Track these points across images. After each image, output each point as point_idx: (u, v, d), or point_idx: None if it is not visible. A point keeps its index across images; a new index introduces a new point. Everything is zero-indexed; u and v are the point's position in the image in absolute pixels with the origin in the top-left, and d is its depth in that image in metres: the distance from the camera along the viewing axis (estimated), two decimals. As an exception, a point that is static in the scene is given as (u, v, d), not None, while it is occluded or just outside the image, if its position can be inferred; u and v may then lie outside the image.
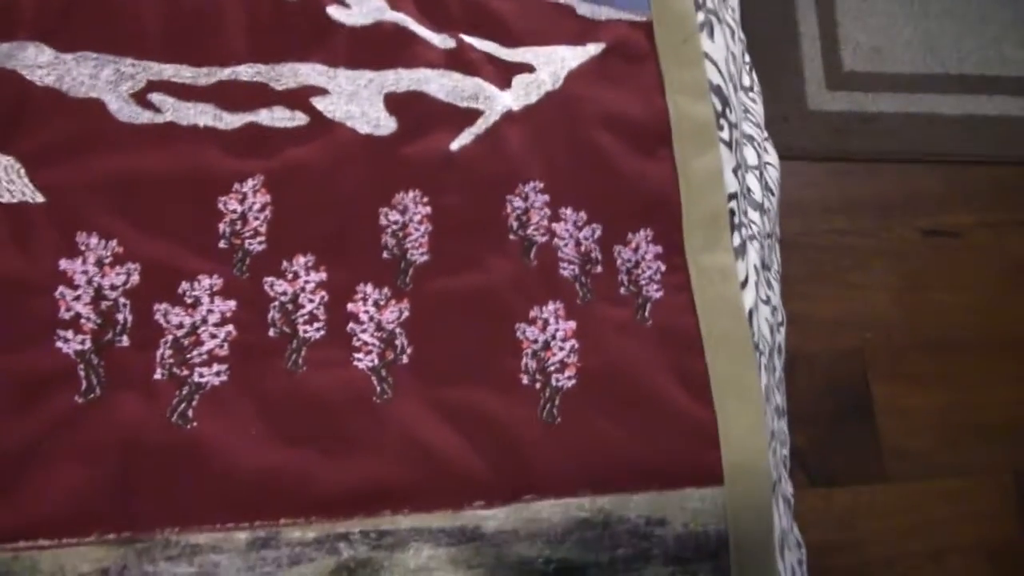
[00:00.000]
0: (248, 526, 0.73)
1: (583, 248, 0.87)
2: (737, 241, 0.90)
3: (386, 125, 0.87)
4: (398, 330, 0.81)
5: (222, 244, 0.81)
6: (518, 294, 0.84)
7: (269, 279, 0.81)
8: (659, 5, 0.96)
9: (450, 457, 0.77)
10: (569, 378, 0.82)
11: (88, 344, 0.76)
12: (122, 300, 0.78)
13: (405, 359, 0.80)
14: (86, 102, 0.84)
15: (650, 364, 0.83)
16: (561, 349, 0.82)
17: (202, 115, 0.85)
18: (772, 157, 1.14)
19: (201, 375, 0.77)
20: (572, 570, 0.76)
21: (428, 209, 0.85)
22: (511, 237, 0.86)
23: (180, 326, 0.78)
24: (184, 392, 0.76)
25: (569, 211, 0.87)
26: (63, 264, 0.78)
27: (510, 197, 0.87)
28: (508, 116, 0.89)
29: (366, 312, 0.81)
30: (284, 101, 0.87)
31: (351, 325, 0.81)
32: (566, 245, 0.86)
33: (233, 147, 0.84)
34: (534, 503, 0.77)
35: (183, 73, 0.86)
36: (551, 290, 0.84)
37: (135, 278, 0.79)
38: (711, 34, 0.97)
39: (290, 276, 0.81)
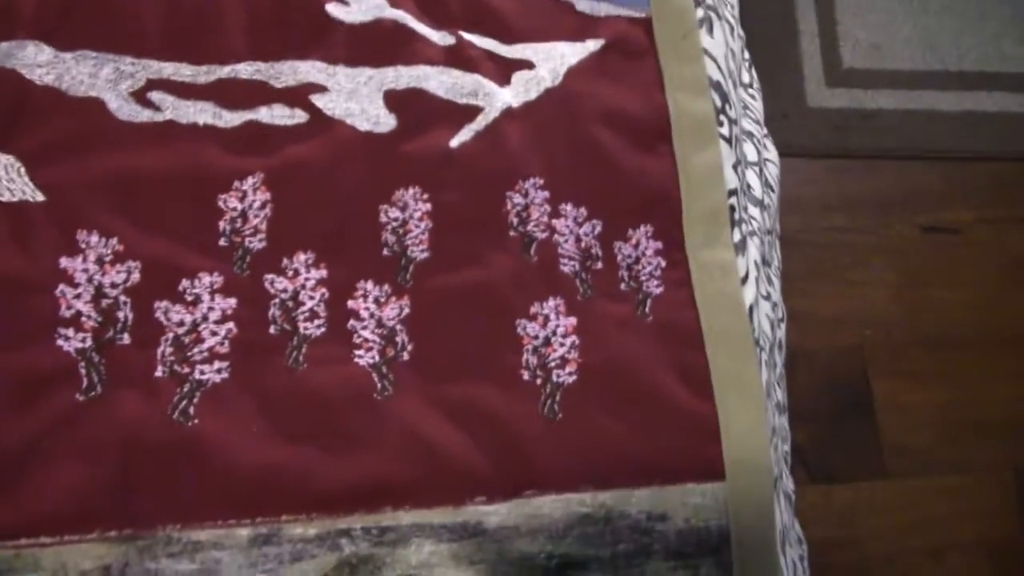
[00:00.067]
0: (250, 523, 0.73)
1: (583, 244, 0.87)
2: (737, 237, 0.90)
3: (386, 122, 0.87)
4: (398, 327, 0.81)
5: (222, 242, 0.82)
6: (518, 290, 0.84)
7: (269, 276, 0.81)
8: (658, 1, 0.96)
9: (451, 453, 0.77)
10: (570, 374, 0.82)
11: (89, 342, 0.76)
12: (123, 298, 0.78)
13: (406, 356, 0.80)
14: (86, 101, 0.84)
15: (651, 360, 0.83)
16: (562, 345, 0.82)
17: (202, 113, 0.85)
18: (772, 154, 1.14)
19: (202, 372, 0.77)
20: (574, 565, 0.76)
21: (428, 206, 0.85)
22: (511, 233, 0.86)
23: (181, 324, 0.78)
24: (185, 389, 0.76)
25: (569, 207, 0.87)
26: (63, 262, 0.78)
27: (510, 193, 0.87)
28: (508, 113, 0.89)
29: (367, 309, 0.81)
30: (284, 99, 0.87)
31: (352, 322, 0.81)
32: (566, 241, 0.86)
33: (233, 145, 0.84)
34: (535, 499, 0.77)
35: (183, 71, 0.86)
36: (551, 286, 0.84)
37: (136, 276, 0.79)
38: (710, 30, 0.97)
39: (290, 273, 0.81)
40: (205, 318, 0.79)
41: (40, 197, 0.80)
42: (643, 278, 0.86)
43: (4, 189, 0.80)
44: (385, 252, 0.83)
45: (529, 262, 0.85)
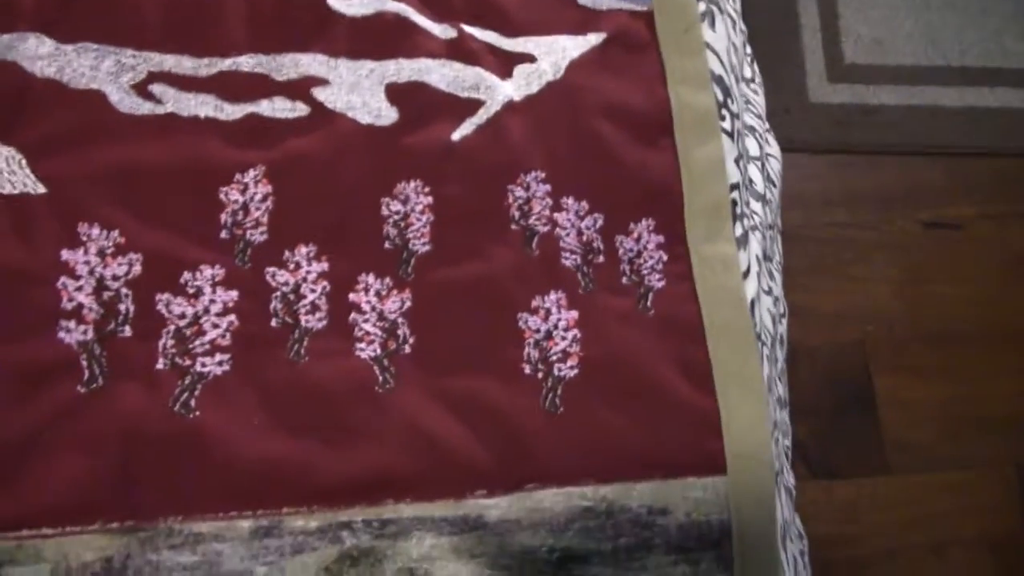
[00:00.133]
0: (251, 515, 0.73)
1: (585, 238, 0.87)
2: (739, 231, 0.90)
3: (387, 115, 0.87)
4: (400, 320, 0.81)
5: (224, 234, 0.82)
6: (520, 284, 0.84)
7: (271, 269, 0.81)
8: (660, -5, 0.96)
9: (452, 446, 0.77)
10: (571, 368, 0.81)
11: (90, 334, 0.76)
12: (124, 290, 0.78)
13: (407, 349, 0.80)
14: (87, 93, 0.84)
15: (652, 354, 0.83)
16: (563, 339, 0.82)
17: (203, 106, 0.85)
18: (773, 148, 1.14)
19: (203, 365, 0.77)
20: (575, 559, 0.76)
21: (430, 199, 0.85)
22: (513, 227, 0.86)
23: (182, 316, 0.78)
24: (186, 382, 0.76)
25: (571, 201, 0.87)
26: (65, 255, 0.78)
27: (512, 187, 0.87)
28: (509, 106, 0.89)
29: (368, 302, 0.81)
30: (285, 92, 0.87)
31: (353, 315, 0.81)
32: (568, 235, 0.86)
33: (234, 138, 0.84)
34: (536, 492, 0.77)
35: (184, 64, 0.86)
36: (553, 280, 0.84)
37: (137, 268, 0.79)
38: (712, 24, 0.97)
39: (292, 266, 0.81)
40: (206, 311, 0.79)
41: (41, 189, 0.80)
42: (645, 272, 0.86)
43: (5, 181, 0.80)
44: (387, 245, 0.83)
45: (531, 256, 0.85)
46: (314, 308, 0.80)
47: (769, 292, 0.95)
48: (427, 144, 0.87)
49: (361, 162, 0.85)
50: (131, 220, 0.80)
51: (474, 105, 0.89)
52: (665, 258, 0.87)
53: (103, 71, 0.85)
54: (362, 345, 0.80)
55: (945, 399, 1.53)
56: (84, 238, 0.79)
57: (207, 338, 0.78)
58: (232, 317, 0.79)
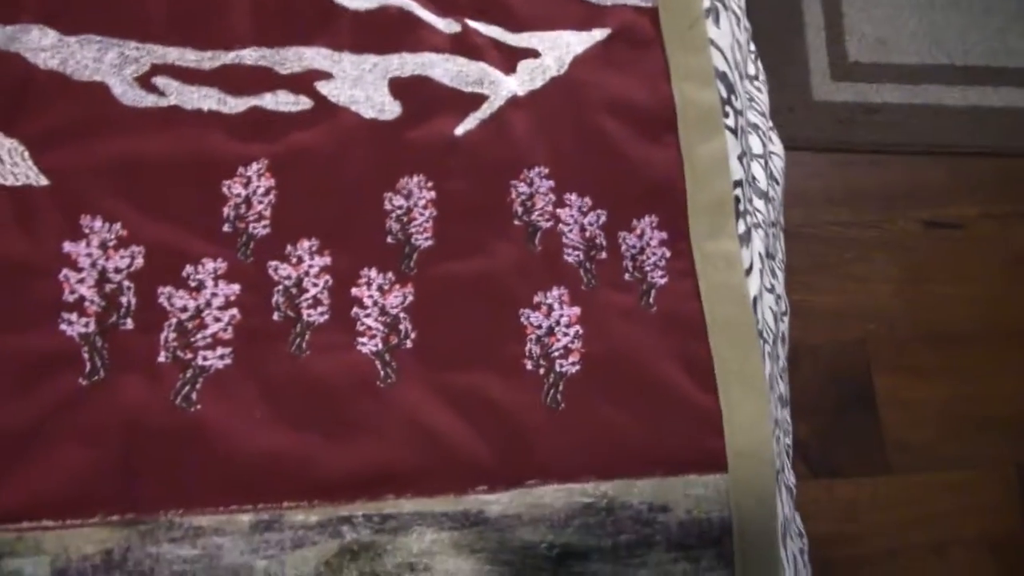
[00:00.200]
0: (251, 509, 0.73)
1: (588, 234, 0.86)
2: (742, 228, 0.90)
3: (390, 110, 0.87)
4: (402, 315, 0.81)
5: (226, 228, 0.81)
6: (522, 280, 0.84)
7: (273, 263, 0.81)
8: (665, -9, 0.96)
9: (453, 442, 0.77)
10: (573, 364, 0.81)
11: (92, 327, 0.76)
12: (126, 283, 0.78)
13: (409, 344, 0.80)
14: (90, 85, 0.84)
15: (654, 350, 0.83)
16: (565, 335, 0.82)
17: (206, 99, 0.85)
18: (777, 146, 1.14)
19: (205, 358, 0.77)
20: (575, 555, 0.76)
21: (432, 194, 0.85)
22: (515, 222, 0.86)
23: (184, 309, 0.78)
24: (188, 375, 0.76)
25: (574, 197, 0.87)
26: (67, 247, 0.78)
27: (515, 182, 0.87)
28: (513, 101, 0.89)
29: (370, 297, 0.81)
30: (288, 85, 0.87)
31: (355, 309, 0.81)
32: (570, 231, 0.86)
33: (237, 131, 0.84)
34: (537, 488, 0.77)
35: (187, 57, 0.86)
36: (555, 276, 0.84)
37: (139, 261, 0.79)
38: (717, 20, 0.96)
39: (294, 260, 0.81)
40: (208, 304, 0.79)
41: (44, 181, 0.80)
42: (647, 268, 0.86)
43: (8, 173, 0.80)
44: (389, 240, 0.83)
45: (533, 251, 0.85)
46: (316, 302, 0.80)
47: (771, 290, 0.95)
48: (430, 139, 0.86)
49: (364, 156, 0.85)
50: (133, 213, 0.80)
51: (478, 100, 0.89)
52: (668, 255, 0.87)
53: (106, 63, 0.85)
54: (364, 339, 0.80)
55: (946, 399, 1.53)
56: (86, 230, 0.79)
57: (209, 331, 0.78)
58: (234, 311, 0.79)
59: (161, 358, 0.76)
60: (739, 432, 0.81)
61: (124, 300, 0.78)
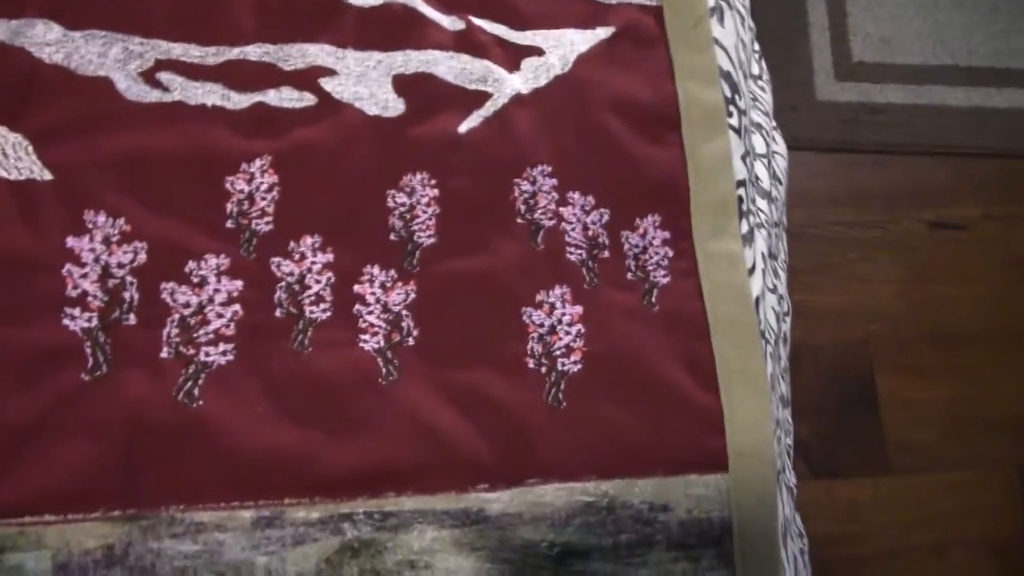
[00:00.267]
0: (252, 505, 0.74)
1: (590, 233, 0.86)
2: (745, 228, 0.89)
3: (394, 107, 0.87)
4: (404, 312, 0.81)
5: (229, 224, 0.81)
6: (525, 278, 0.84)
7: (276, 259, 0.81)
8: (670, -11, 0.95)
9: (455, 440, 0.77)
10: (575, 363, 0.81)
11: (95, 322, 0.76)
12: (129, 278, 0.78)
13: (411, 341, 0.80)
14: (94, 80, 0.84)
15: (656, 350, 0.83)
16: (567, 334, 0.82)
17: (210, 94, 0.85)
18: (780, 146, 1.14)
19: (207, 354, 0.77)
20: (576, 554, 0.76)
21: (436, 191, 0.85)
22: (518, 221, 0.86)
23: (187, 305, 0.78)
24: (190, 371, 0.76)
25: (577, 195, 0.87)
26: (70, 242, 0.78)
27: (518, 180, 0.87)
28: (517, 99, 0.89)
29: (372, 294, 0.81)
30: (292, 81, 0.87)
31: (357, 306, 0.81)
32: (573, 229, 0.86)
33: (241, 127, 0.84)
34: (538, 487, 0.77)
35: (192, 52, 0.86)
36: (558, 274, 0.84)
37: (142, 256, 0.79)
38: (721, 20, 0.96)
39: (297, 257, 0.81)
40: (211, 300, 0.79)
41: (48, 176, 0.80)
42: (650, 268, 0.86)
43: (12, 167, 0.80)
44: (392, 237, 0.83)
45: (536, 250, 0.85)
46: (318, 299, 0.80)
47: (774, 290, 0.95)
48: (433, 136, 0.86)
49: (367, 153, 0.85)
50: (137, 208, 0.80)
51: (481, 97, 0.89)
52: (670, 254, 0.87)
53: (111, 58, 0.85)
54: (366, 337, 0.80)
55: (948, 399, 1.53)
56: (90, 225, 0.79)
57: (211, 327, 0.78)
58: (236, 307, 0.79)
59: (163, 354, 0.77)
60: (740, 432, 0.81)
61: (127, 295, 0.78)
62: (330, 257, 0.82)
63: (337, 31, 0.89)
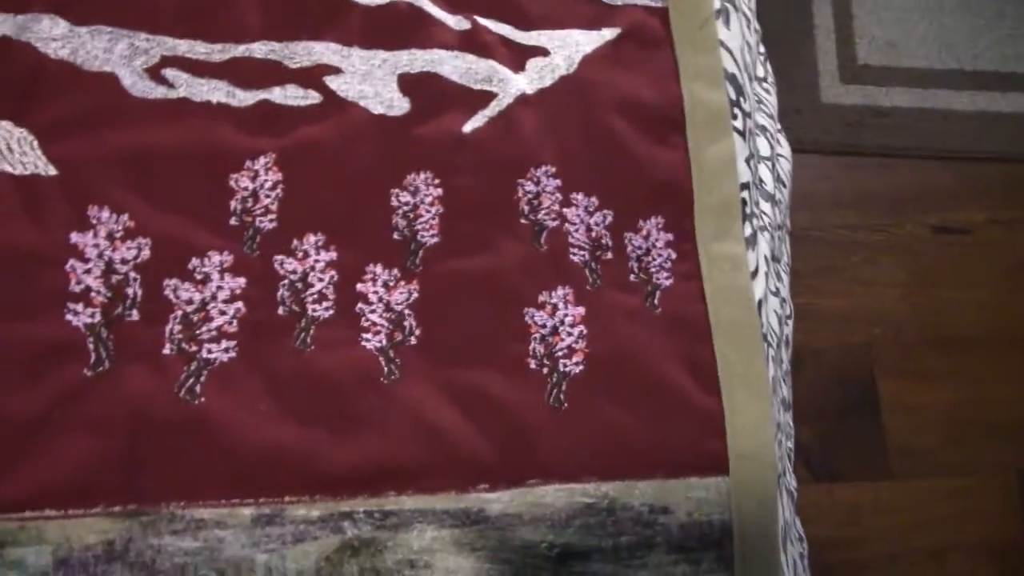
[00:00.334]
0: (253, 502, 0.74)
1: (594, 234, 0.86)
2: (748, 231, 0.89)
3: (399, 106, 0.87)
4: (407, 311, 0.81)
5: (233, 221, 0.81)
6: (527, 278, 0.84)
7: (279, 257, 0.81)
8: (675, -9, 0.95)
9: (456, 439, 0.77)
10: (577, 364, 0.81)
11: (98, 317, 0.77)
12: (132, 274, 0.78)
13: (413, 340, 0.80)
14: (100, 76, 0.84)
15: (658, 352, 0.83)
16: (569, 335, 0.82)
17: (215, 91, 0.85)
18: (784, 149, 1.14)
19: (210, 351, 0.77)
20: (575, 555, 0.76)
21: (439, 191, 0.85)
22: (522, 221, 0.86)
23: (190, 302, 0.78)
24: (192, 368, 0.76)
25: (580, 196, 0.87)
26: (74, 237, 0.78)
27: (522, 181, 0.86)
28: (522, 99, 0.89)
29: (375, 292, 0.81)
30: (297, 79, 0.87)
31: (360, 305, 0.81)
32: (576, 230, 0.86)
33: (246, 124, 0.84)
34: (539, 487, 0.77)
35: (197, 49, 0.86)
36: (561, 275, 0.84)
37: (146, 253, 0.79)
38: (727, 22, 0.96)
39: (300, 255, 0.81)
40: (214, 297, 0.79)
41: (52, 171, 0.80)
42: (653, 269, 0.86)
43: (17, 163, 0.80)
44: (395, 236, 0.83)
45: (539, 250, 0.85)
46: (321, 297, 0.80)
47: (776, 293, 0.95)
48: (438, 135, 0.86)
49: (372, 152, 0.85)
50: (141, 204, 0.80)
51: (486, 97, 0.89)
52: (673, 256, 0.87)
53: (116, 54, 0.85)
54: (368, 335, 0.80)
55: (950, 404, 1.53)
56: (94, 221, 0.79)
57: (214, 324, 0.78)
58: (239, 304, 0.79)
59: (166, 350, 0.77)
60: (741, 435, 0.81)
61: (130, 291, 0.78)
62: (333, 255, 0.82)
63: (343, 29, 0.89)
